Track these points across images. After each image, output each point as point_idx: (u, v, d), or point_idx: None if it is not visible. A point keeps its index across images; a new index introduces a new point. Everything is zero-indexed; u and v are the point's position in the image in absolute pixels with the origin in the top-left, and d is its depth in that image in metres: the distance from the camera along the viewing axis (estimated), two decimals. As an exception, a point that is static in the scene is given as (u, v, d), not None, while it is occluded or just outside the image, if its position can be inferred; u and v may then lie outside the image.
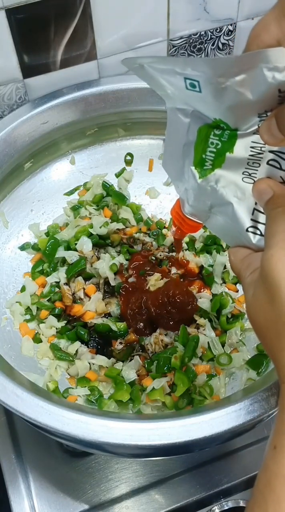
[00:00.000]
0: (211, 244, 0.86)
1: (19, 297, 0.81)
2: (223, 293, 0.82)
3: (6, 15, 0.75)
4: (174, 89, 0.48)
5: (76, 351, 0.78)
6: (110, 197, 0.90)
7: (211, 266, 0.84)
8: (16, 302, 0.81)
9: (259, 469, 0.43)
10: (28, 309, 0.81)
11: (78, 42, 0.82)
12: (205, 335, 0.78)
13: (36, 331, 0.80)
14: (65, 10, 0.78)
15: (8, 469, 0.76)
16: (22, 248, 0.86)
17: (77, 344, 0.78)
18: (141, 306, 0.79)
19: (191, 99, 0.48)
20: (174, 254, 0.87)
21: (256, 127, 0.46)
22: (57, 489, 0.75)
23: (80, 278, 0.82)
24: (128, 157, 0.94)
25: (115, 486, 0.75)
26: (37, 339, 0.79)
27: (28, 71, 0.83)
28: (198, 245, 0.87)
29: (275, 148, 0.47)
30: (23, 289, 0.83)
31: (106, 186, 0.91)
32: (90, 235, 0.86)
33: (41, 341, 0.79)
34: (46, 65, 0.83)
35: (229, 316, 0.81)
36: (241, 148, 0.48)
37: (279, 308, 0.42)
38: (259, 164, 0.48)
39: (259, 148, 0.47)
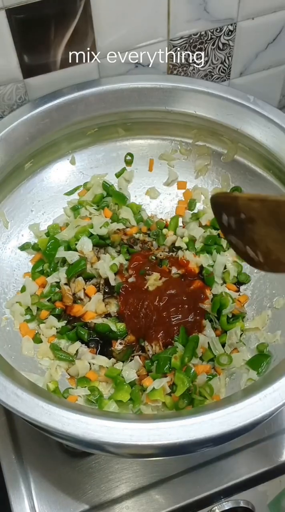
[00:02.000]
0: (211, 244, 0.86)
1: (19, 297, 0.81)
2: (223, 293, 0.82)
3: (6, 15, 0.75)
4: None
5: (77, 351, 0.78)
6: (110, 197, 0.90)
7: (211, 266, 0.84)
8: (16, 302, 0.81)
9: None
10: (28, 309, 0.81)
11: (78, 42, 0.82)
12: (205, 335, 0.78)
13: (36, 331, 0.80)
14: (65, 10, 0.78)
15: (8, 469, 0.76)
16: (22, 248, 0.86)
17: (78, 344, 0.78)
18: (138, 308, 0.79)
19: None
20: (173, 254, 0.87)
21: None
22: (57, 489, 0.75)
23: (80, 279, 0.82)
24: (128, 157, 0.94)
25: (115, 486, 0.75)
26: (37, 339, 0.79)
27: (28, 71, 0.83)
28: (198, 245, 0.87)
29: None
30: (23, 289, 0.83)
31: (106, 186, 0.91)
32: (90, 235, 0.86)
33: (41, 341, 0.79)
34: (46, 65, 0.83)
35: (230, 316, 0.81)
36: None
37: None
38: None
39: None
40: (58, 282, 0.82)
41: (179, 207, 0.93)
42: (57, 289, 0.82)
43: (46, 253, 0.84)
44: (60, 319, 0.81)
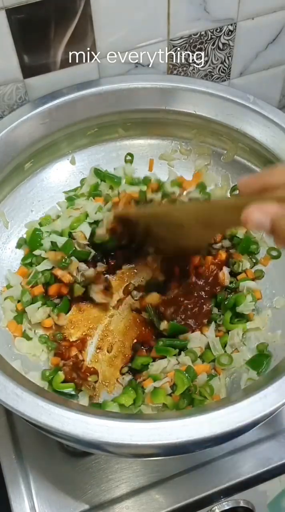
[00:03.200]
0: None
1: (8, 292, 0.81)
2: (245, 289, 0.81)
3: (6, 15, 0.75)
4: None
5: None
6: (104, 182, 0.90)
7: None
8: (5, 298, 0.80)
9: None
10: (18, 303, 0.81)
11: (78, 42, 0.82)
12: (205, 335, 0.78)
13: (23, 329, 0.79)
14: (65, 10, 0.78)
15: (8, 469, 0.76)
16: (19, 246, 0.86)
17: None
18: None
19: None
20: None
21: None
22: (57, 489, 0.75)
23: (73, 258, 0.81)
24: (128, 157, 0.94)
25: (115, 486, 0.75)
26: (26, 336, 0.78)
27: (28, 71, 0.83)
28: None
29: None
30: (8, 286, 0.82)
31: (98, 172, 0.90)
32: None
33: (30, 338, 0.78)
34: (46, 65, 0.83)
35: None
36: None
37: None
38: None
39: None
40: (47, 270, 0.81)
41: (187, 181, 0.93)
42: (40, 275, 0.81)
43: (30, 242, 0.83)
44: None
